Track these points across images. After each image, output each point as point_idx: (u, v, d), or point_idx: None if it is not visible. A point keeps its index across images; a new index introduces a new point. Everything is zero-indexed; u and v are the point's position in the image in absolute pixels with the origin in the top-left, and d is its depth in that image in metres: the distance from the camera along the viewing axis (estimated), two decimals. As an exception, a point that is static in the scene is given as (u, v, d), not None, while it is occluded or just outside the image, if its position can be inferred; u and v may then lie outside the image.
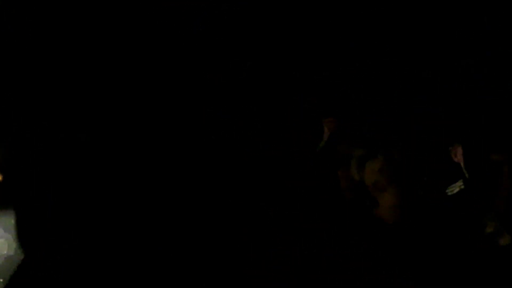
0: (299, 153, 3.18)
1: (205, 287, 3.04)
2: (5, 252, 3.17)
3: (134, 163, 3.25)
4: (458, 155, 2.91)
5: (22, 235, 3.19)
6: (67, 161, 3.26)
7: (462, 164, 2.89)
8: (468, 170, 2.87)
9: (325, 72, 3.21)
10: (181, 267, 3.12)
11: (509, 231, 2.74)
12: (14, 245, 3.18)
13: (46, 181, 3.24)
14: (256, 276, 3.02)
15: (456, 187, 2.86)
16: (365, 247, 2.80)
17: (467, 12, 3.16)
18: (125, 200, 3.23)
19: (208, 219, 3.17)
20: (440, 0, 3.21)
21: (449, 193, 2.86)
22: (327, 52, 3.21)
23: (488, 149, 2.86)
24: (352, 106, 3.20)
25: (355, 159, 2.91)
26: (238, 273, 3.09)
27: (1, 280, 3.07)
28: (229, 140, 3.22)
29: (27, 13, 3.28)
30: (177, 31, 3.29)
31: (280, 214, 3.08)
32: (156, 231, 3.21)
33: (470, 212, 2.81)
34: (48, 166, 3.25)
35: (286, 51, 3.27)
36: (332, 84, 3.25)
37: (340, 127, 3.11)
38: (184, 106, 3.23)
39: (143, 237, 3.21)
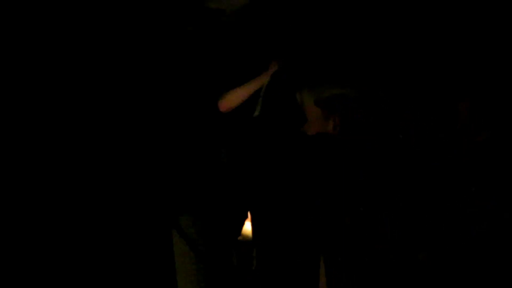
0: (299, 152, 3.18)
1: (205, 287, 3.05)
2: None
3: (133, 163, 3.25)
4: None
5: (22, 235, 3.20)
6: (67, 161, 3.27)
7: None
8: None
9: (325, 72, 3.22)
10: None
11: None
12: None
13: (46, 180, 3.25)
14: (255, 277, 3.03)
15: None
16: (365, 248, 2.81)
17: (467, 12, 3.16)
18: (125, 200, 3.24)
19: (208, 219, 3.17)
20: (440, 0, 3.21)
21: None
22: (327, 52, 3.21)
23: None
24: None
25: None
26: (238, 274, 3.10)
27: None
28: (229, 140, 3.22)
29: (27, 13, 3.28)
30: (176, 31, 3.29)
31: (280, 214, 3.08)
32: (156, 231, 3.21)
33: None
34: (48, 165, 3.25)
35: (286, 50, 3.28)
36: (333, 83, 3.25)
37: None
38: (184, 106, 3.23)
39: (143, 237, 3.22)
